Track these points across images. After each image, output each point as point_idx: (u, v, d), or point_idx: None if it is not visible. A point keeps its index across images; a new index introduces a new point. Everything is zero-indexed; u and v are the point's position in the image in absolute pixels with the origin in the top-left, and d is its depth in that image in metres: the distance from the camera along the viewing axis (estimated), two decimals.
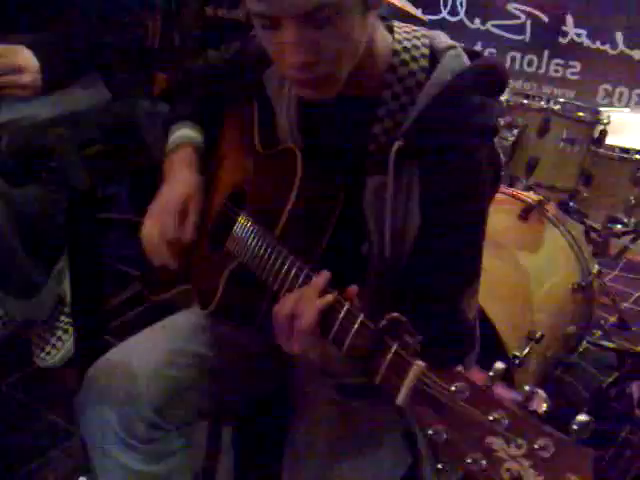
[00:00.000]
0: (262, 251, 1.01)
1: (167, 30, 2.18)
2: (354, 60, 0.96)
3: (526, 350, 1.61)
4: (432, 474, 1.07)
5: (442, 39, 1.05)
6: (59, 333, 2.00)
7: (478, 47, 3.45)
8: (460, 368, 0.71)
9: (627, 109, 2.45)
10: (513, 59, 3.43)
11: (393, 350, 0.77)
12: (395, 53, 1.01)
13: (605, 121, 1.93)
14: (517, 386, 1.51)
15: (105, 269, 2.07)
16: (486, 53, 3.37)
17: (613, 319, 2.38)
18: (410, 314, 0.81)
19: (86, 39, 1.72)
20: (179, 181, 1.18)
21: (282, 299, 0.91)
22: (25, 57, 1.61)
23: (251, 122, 1.18)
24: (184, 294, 1.24)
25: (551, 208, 2.01)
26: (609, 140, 1.93)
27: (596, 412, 2.02)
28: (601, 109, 1.97)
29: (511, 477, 0.64)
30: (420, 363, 0.74)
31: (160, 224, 1.12)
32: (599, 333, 2.25)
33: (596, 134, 1.93)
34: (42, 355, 1.99)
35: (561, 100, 1.95)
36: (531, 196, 2.00)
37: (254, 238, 1.04)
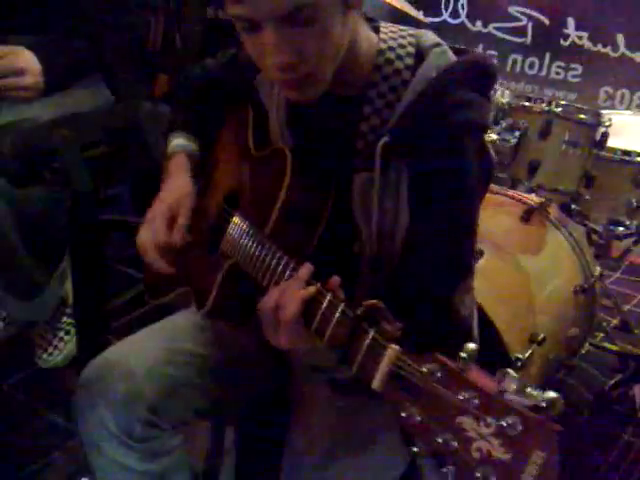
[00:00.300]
0: (254, 250, 1.03)
1: (169, 32, 2.18)
2: (337, 59, 0.97)
3: (528, 352, 1.61)
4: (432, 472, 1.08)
5: (428, 37, 1.05)
6: (61, 334, 2.00)
7: (479, 49, 3.45)
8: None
9: (629, 111, 2.45)
10: (515, 62, 3.44)
11: (370, 336, 0.78)
12: (380, 52, 1.02)
13: (607, 123, 1.93)
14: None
15: (107, 270, 2.07)
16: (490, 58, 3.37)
17: (615, 322, 2.37)
18: (404, 312, 0.81)
19: (88, 41, 1.73)
20: (170, 188, 1.20)
21: (267, 293, 0.92)
22: (27, 59, 1.61)
23: (246, 126, 1.21)
24: (184, 296, 1.25)
25: (553, 210, 2.00)
26: (611, 142, 1.93)
27: (598, 415, 2.02)
28: (602, 112, 1.97)
29: (481, 456, 0.65)
30: (395, 347, 0.75)
31: (151, 230, 1.15)
32: (601, 335, 2.25)
33: (598, 136, 1.93)
34: (44, 356, 1.99)
35: (563, 102, 1.95)
36: (533, 198, 2.00)
37: (246, 238, 1.06)
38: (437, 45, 1.04)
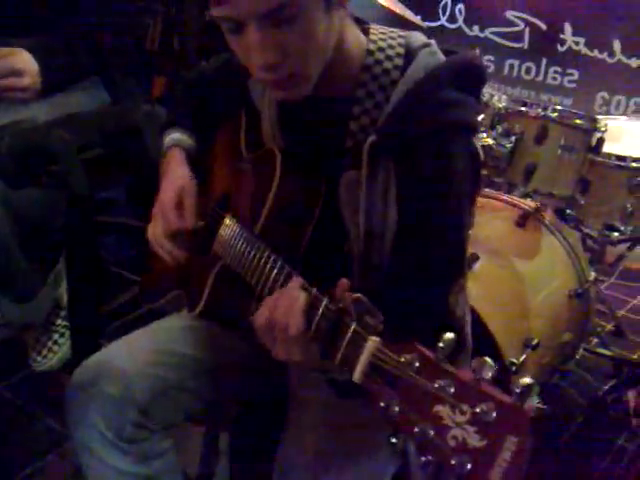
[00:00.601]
0: (243, 250, 1.03)
1: (166, 34, 2.18)
2: (322, 59, 0.97)
3: (522, 357, 1.61)
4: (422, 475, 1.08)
5: (418, 38, 1.06)
6: (55, 337, 1.99)
7: None
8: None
9: (624, 117, 2.45)
10: (511, 66, 3.45)
11: (351, 329, 0.78)
12: (369, 53, 1.03)
13: (603, 129, 1.93)
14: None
15: (102, 272, 2.07)
16: (484, 60, 3.39)
17: (610, 327, 2.38)
18: (398, 312, 0.81)
19: (86, 42, 1.73)
20: (170, 179, 1.21)
21: (260, 312, 0.89)
22: (25, 60, 1.61)
23: (238, 128, 1.22)
24: (177, 300, 1.26)
25: (548, 215, 2.01)
26: (606, 148, 1.93)
27: (592, 420, 2.02)
28: (598, 117, 1.97)
29: (456, 444, 0.65)
30: (375, 339, 0.75)
31: (161, 222, 1.16)
32: (596, 341, 2.25)
33: (593, 142, 1.93)
34: (38, 359, 1.99)
35: (559, 108, 1.95)
36: (528, 203, 2.00)
37: (237, 239, 1.07)
38: (426, 45, 1.04)
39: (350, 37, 1.03)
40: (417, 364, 0.70)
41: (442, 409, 0.67)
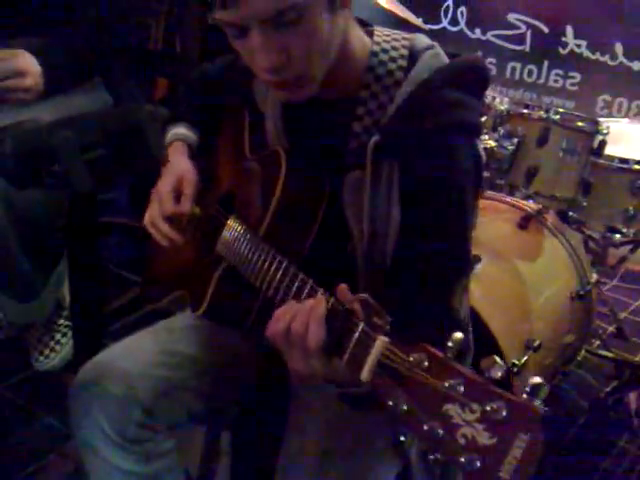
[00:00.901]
0: (248, 251, 1.04)
1: (169, 35, 2.19)
2: (326, 60, 0.97)
3: (524, 358, 1.61)
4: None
5: (422, 40, 1.06)
6: (57, 337, 2.00)
7: None
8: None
9: (626, 120, 2.45)
10: (513, 69, 3.44)
11: (359, 329, 0.78)
12: (373, 54, 1.03)
13: (604, 131, 1.93)
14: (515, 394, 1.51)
15: (104, 273, 2.07)
16: (486, 63, 3.38)
17: (611, 329, 2.38)
18: (402, 312, 0.81)
19: (88, 43, 1.73)
20: (171, 168, 1.22)
21: (276, 322, 0.87)
22: (27, 61, 1.61)
23: (242, 129, 1.22)
24: (180, 300, 1.26)
25: (550, 217, 2.01)
26: (608, 150, 1.93)
27: (594, 421, 2.02)
28: (600, 119, 1.97)
29: (466, 442, 0.65)
30: (383, 338, 0.75)
31: (158, 204, 1.17)
32: (597, 342, 2.25)
33: (595, 144, 1.93)
34: (40, 359, 1.99)
35: (561, 110, 1.95)
36: (530, 205, 2.00)
37: (241, 240, 1.07)
38: (430, 47, 1.05)
39: (354, 38, 1.03)
40: (426, 363, 0.70)
41: (451, 407, 0.67)
